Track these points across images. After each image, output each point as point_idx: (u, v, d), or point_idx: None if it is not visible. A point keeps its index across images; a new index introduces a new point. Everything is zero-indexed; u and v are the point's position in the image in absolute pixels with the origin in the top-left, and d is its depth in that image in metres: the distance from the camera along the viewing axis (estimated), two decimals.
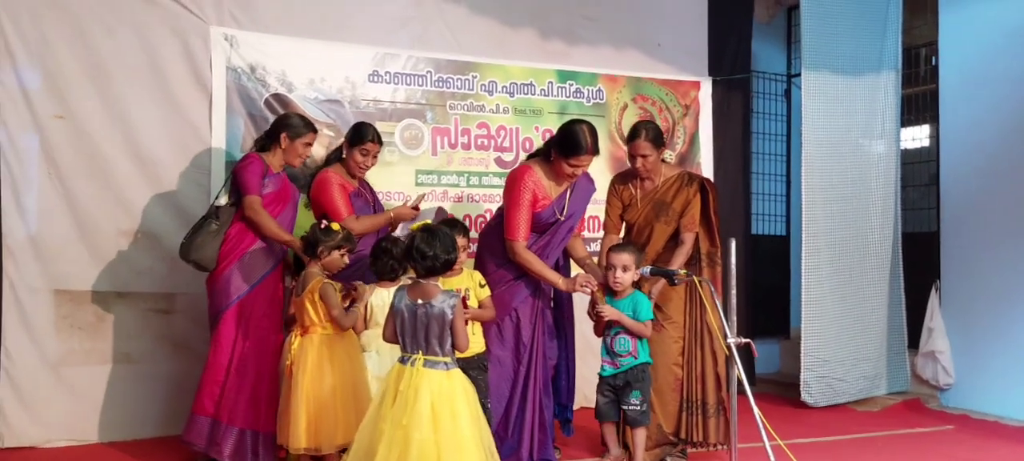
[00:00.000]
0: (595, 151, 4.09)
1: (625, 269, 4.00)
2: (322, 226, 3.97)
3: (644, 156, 4.31)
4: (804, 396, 5.83)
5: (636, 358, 4.02)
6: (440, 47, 5.62)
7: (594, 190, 4.48)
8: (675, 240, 4.39)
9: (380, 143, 4.51)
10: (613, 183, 4.60)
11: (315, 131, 4.45)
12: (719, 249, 4.45)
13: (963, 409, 5.85)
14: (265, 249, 4.24)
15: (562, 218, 4.21)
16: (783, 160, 7.38)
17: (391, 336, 3.34)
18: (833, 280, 5.96)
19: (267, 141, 4.40)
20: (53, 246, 4.61)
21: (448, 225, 3.99)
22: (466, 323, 3.76)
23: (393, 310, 3.30)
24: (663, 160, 4.50)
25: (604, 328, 4.08)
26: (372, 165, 4.54)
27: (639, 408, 4.01)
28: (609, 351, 4.08)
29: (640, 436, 4.04)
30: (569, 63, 6.03)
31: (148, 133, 4.80)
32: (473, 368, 3.90)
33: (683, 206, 4.35)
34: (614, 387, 4.07)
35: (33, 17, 4.55)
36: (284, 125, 4.38)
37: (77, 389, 4.67)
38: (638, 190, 4.45)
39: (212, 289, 4.25)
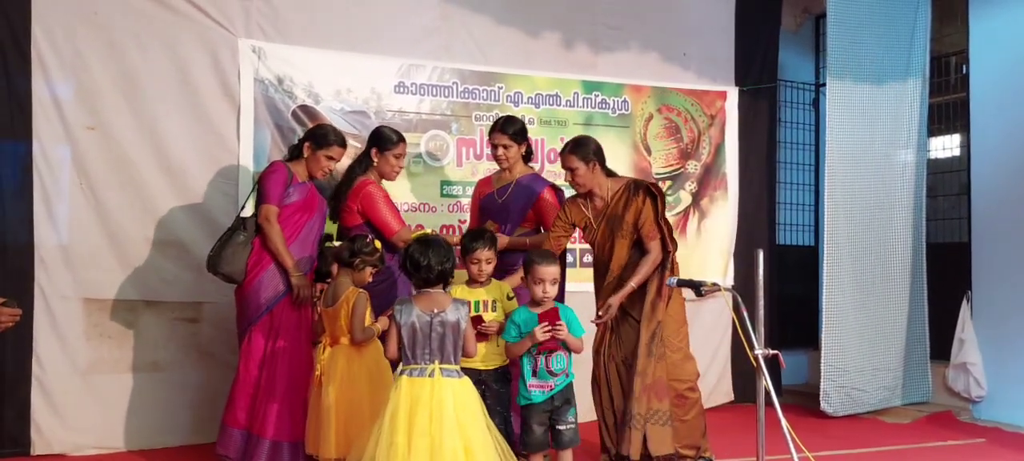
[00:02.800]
0: (503, 130, 4.56)
1: (554, 282, 3.71)
2: (368, 240, 3.98)
3: (572, 170, 4.19)
4: (823, 406, 5.81)
5: (569, 376, 3.72)
6: (465, 58, 5.65)
7: (540, 188, 4.56)
8: (638, 251, 4.22)
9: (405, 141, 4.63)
10: (564, 206, 4.41)
11: (344, 146, 4.40)
12: (672, 255, 4.23)
13: (995, 422, 5.75)
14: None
15: (500, 201, 4.62)
16: (811, 170, 7.33)
17: (395, 352, 3.32)
18: (854, 290, 5.91)
19: (296, 149, 4.40)
20: (84, 255, 4.68)
21: (474, 236, 3.98)
22: (496, 335, 3.81)
23: (398, 325, 3.27)
24: (609, 173, 4.33)
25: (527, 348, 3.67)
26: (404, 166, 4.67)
27: (574, 426, 3.73)
28: (541, 372, 3.67)
29: (569, 457, 3.79)
30: (594, 74, 6.03)
31: (177, 144, 4.86)
32: (496, 381, 3.86)
33: (635, 217, 4.17)
34: (549, 411, 3.70)
35: (66, 30, 4.63)
36: (310, 134, 4.40)
37: (106, 397, 4.74)
38: (589, 210, 4.31)
39: (242, 300, 4.24)
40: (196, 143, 4.91)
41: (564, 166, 4.27)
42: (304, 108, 5.15)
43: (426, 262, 3.30)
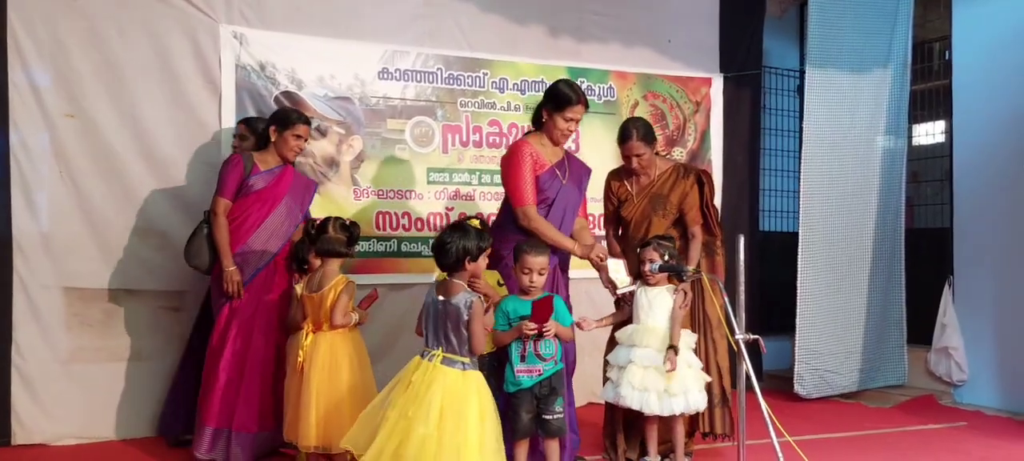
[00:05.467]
0: (585, 102, 4.10)
1: (542, 272, 3.69)
2: (349, 222, 3.97)
3: (639, 155, 4.27)
4: (797, 388, 5.87)
5: (557, 363, 3.69)
6: (450, 44, 5.62)
7: (590, 171, 4.38)
8: (675, 232, 4.34)
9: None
10: (608, 180, 4.55)
11: (306, 123, 4.40)
12: (718, 239, 4.47)
13: (976, 406, 5.80)
14: (249, 253, 4.24)
15: (565, 182, 4.13)
16: (795, 156, 7.33)
17: (420, 331, 3.40)
18: (829, 274, 5.96)
19: (264, 138, 4.41)
20: (64, 244, 4.64)
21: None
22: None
23: (423, 305, 3.36)
24: (657, 154, 4.47)
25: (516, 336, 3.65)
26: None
27: (563, 416, 3.69)
28: (529, 356, 3.63)
29: (557, 447, 3.74)
30: (580, 60, 6.02)
31: (158, 131, 4.83)
32: (481, 368, 3.85)
33: (681, 199, 4.33)
34: (538, 397, 3.67)
35: (44, 17, 4.58)
36: (273, 118, 4.42)
37: (88, 386, 4.70)
38: (633, 186, 4.42)
39: (210, 291, 4.34)
40: (178, 130, 4.88)
41: (632, 153, 4.27)
42: (287, 94, 5.12)
43: (437, 242, 3.33)
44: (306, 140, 4.43)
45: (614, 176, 4.51)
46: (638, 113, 6.10)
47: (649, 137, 4.29)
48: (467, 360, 3.23)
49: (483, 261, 3.39)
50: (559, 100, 4.06)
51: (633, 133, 4.25)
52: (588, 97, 5.85)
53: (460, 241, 3.28)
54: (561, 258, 4.14)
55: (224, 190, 4.22)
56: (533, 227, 3.97)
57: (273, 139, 4.33)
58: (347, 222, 3.95)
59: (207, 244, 4.28)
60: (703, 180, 4.40)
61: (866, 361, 6.11)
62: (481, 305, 3.25)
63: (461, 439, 3.10)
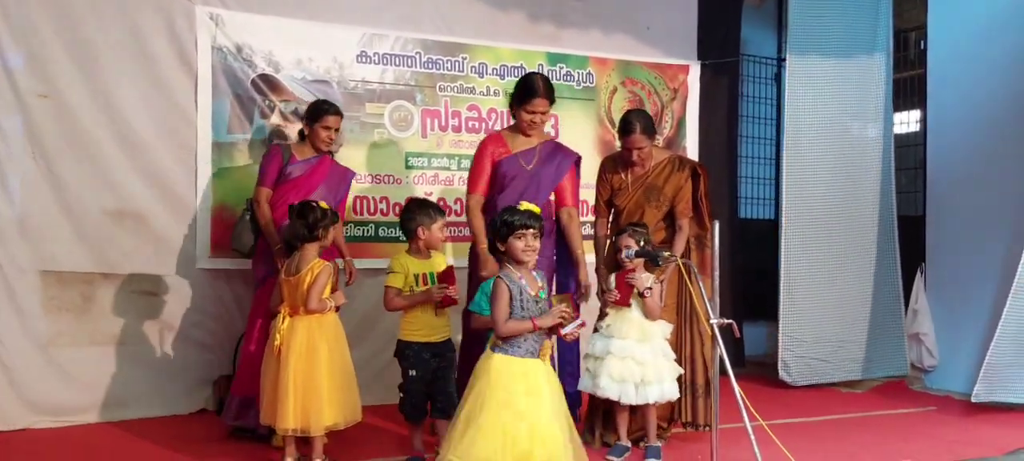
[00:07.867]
0: (548, 96, 4.28)
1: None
2: (315, 206, 3.95)
3: (640, 149, 4.32)
4: (782, 375, 5.92)
5: None
6: (429, 28, 5.60)
7: (572, 160, 4.48)
8: (665, 223, 4.42)
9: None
10: (603, 168, 4.59)
11: (335, 113, 4.52)
12: (709, 232, 4.50)
13: (946, 390, 5.89)
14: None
15: (530, 167, 4.31)
16: (772, 144, 7.40)
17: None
18: (815, 262, 5.99)
19: (302, 132, 4.58)
20: (39, 227, 4.60)
21: (420, 205, 4.03)
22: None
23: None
24: (655, 146, 4.51)
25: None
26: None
27: None
28: None
29: None
30: (559, 46, 6.02)
31: (133, 113, 4.78)
32: (451, 350, 3.94)
33: (675, 191, 4.38)
34: None
35: None
36: (305, 113, 4.59)
37: (66, 370, 4.67)
38: (628, 175, 4.45)
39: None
40: (153, 112, 4.83)
41: (634, 146, 4.30)
42: (264, 77, 5.09)
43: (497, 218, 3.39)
44: (337, 129, 4.55)
45: (610, 164, 4.54)
46: (616, 99, 6.13)
47: (650, 130, 4.35)
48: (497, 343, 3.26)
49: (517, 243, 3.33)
50: (521, 94, 4.32)
51: (636, 126, 4.30)
52: (568, 83, 5.96)
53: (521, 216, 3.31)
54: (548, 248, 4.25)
55: (264, 179, 4.42)
56: (467, 215, 4.36)
57: (306, 133, 4.49)
58: (311, 206, 3.91)
59: (248, 229, 4.49)
60: (698, 173, 4.45)
61: (858, 350, 6.11)
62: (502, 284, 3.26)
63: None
